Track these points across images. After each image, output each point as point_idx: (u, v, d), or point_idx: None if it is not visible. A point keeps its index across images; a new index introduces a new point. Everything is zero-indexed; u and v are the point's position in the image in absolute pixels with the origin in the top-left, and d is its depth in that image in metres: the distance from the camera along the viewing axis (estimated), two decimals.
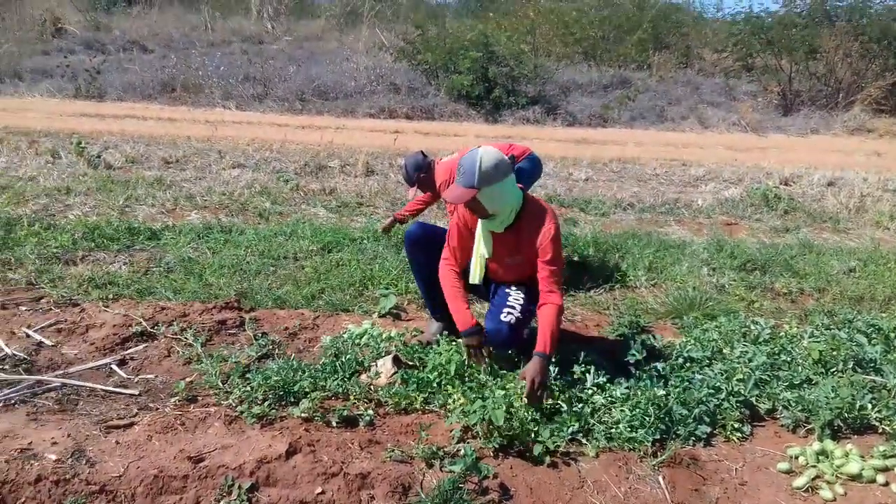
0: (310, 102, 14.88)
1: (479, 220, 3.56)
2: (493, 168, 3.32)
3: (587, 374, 3.58)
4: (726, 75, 19.20)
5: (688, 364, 3.81)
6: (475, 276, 3.65)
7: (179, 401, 3.30)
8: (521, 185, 3.60)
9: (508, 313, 3.56)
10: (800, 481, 2.95)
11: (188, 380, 3.50)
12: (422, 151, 5.22)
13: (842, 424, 3.36)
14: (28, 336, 3.88)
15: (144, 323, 4.07)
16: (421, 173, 5.09)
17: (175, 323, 4.11)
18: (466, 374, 3.52)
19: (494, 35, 16.29)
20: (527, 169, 5.18)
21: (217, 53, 17.29)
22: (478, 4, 23.86)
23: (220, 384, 3.43)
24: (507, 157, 3.44)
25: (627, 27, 19.73)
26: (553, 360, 3.40)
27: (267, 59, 16.92)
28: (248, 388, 3.33)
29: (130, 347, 3.85)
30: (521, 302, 3.63)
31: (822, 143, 14.37)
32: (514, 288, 3.72)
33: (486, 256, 3.62)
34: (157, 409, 3.23)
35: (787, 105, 17.44)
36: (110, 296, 4.55)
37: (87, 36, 18.67)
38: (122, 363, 3.68)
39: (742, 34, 18.56)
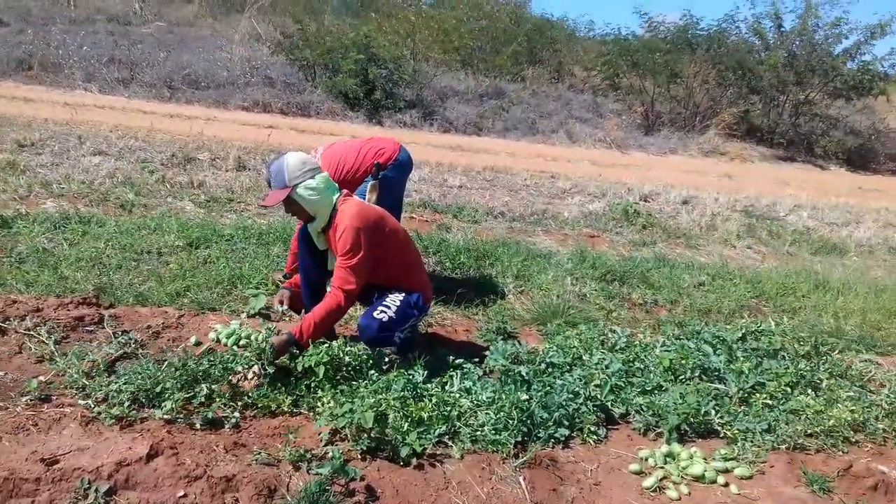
0: (179, 90, 14.37)
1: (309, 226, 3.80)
2: (300, 165, 3.64)
3: (454, 378, 3.68)
4: (595, 93, 20.14)
5: (550, 369, 3.98)
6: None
7: (31, 400, 3.12)
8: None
9: (383, 311, 3.70)
10: (648, 482, 3.15)
11: (41, 378, 3.31)
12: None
13: (688, 428, 3.61)
14: None
15: None
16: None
17: (28, 318, 3.87)
18: (337, 377, 3.53)
19: (375, 37, 16.33)
20: (393, 178, 5.01)
21: (80, 32, 16.34)
22: (359, 3, 23.75)
23: (77, 383, 3.27)
24: (313, 159, 3.72)
25: (504, 39, 20.30)
26: (304, 344, 3.57)
27: (134, 42, 16.19)
28: (108, 389, 3.20)
29: None
30: (398, 304, 3.76)
31: (680, 163, 15.34)
32: (394, 292, 3.83)
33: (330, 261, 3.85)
34: (8, 408, 3.04)
35: (648, 125, 18.49)
36: None
37: None
38: None
39: (610, 55, 19.54)
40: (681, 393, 3.77)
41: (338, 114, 14.76)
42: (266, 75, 15.52)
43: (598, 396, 3.73)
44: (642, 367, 4.15)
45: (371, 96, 15.13)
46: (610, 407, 3.73)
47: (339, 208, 3.70)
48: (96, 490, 2.52)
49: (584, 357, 4.19)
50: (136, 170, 7.84)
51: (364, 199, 4.79)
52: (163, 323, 4.15)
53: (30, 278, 4.49)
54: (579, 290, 5.70)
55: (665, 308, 5.65)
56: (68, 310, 4.05)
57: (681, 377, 4.09)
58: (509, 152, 13.38)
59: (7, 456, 2.64)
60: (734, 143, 17.93)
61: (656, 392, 3.89)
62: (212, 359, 3.50)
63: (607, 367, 4.02)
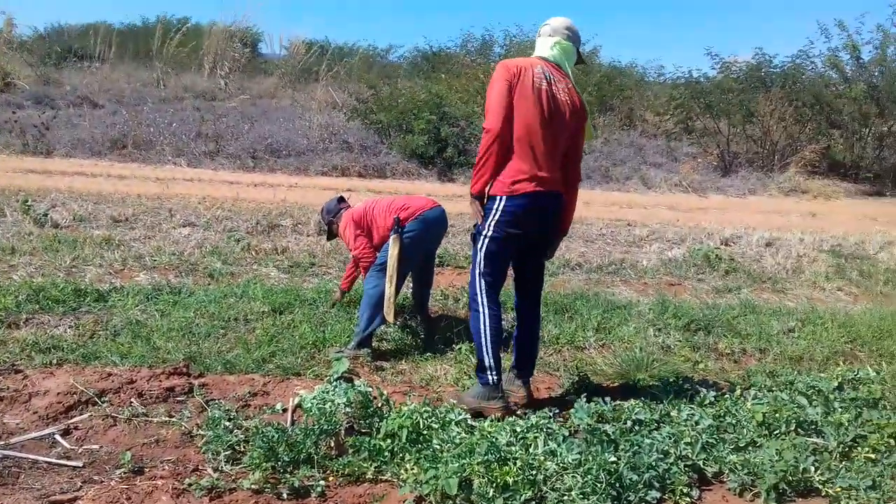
0: (262, 160, 14.90)
1: None
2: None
3: (538, 440, 3.62)
4: (668, 137, 19.90)
5: (637, 427, 3.86)
6: None
7: (125, 473, 3.22)
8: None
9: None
10: None
11: (133, 450, 3.43)
12: (341, 196, 5.34)
13: (786, 487, 3.41)
14: None
15: (89, 391, 3.97)
16: (331, 217, 5.22)
17: (122, 390, 4.03)
18: (419, 439, 3.53)
19: (446, 96, 16.67)
20: (415, 233, 5.03)
21: (169, 110, 17.29)
22: (429, 66, 24.33)
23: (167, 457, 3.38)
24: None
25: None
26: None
27: (220, 116, 16.96)
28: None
29: (75, 416, 3.75)
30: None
31: (760, 203, 14.93)
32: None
33: None
34: (102, 482, 3.14)
35: (725, 166, 18.13)
36: (54, 361, 4.44)
37: (36, 91, 18.52)
38: (66, 433, 3.58)
39: (682, 98, 19.32)
40: (777, 449, 3.59)
41: (412, 173, 15.02)
42: (343, 140, 15.98)
43: (690, 455, 3.59)
44: (734, 422, 3.98)
45: (443, 154, 15.36)
46: (702, 466, 3.58)
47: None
48: None
49: (672, 413, 4.06)
50: (223, 239, 8.14)
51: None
52: (249, 391, 4.23)
53: (124, 350, 4.69)
54: (663, 341, 5.56)
55: (754, 357, 5.45)
56: (160, 380, 4.19)
57: (775, 432, 3.90)
58: (584, 201, 13.10)
59: None
60: (816, 180, 17.36)
61: (750, 448, 3.72)
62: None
63: (697, 423, 3.88)
